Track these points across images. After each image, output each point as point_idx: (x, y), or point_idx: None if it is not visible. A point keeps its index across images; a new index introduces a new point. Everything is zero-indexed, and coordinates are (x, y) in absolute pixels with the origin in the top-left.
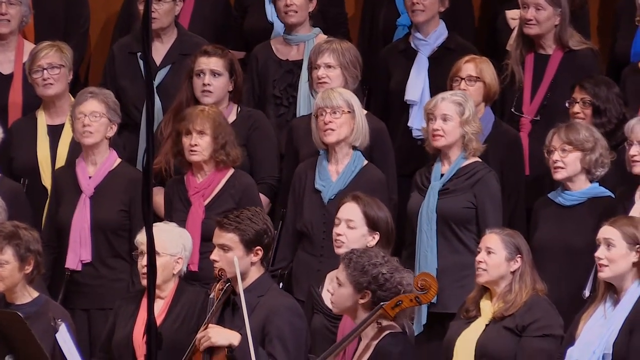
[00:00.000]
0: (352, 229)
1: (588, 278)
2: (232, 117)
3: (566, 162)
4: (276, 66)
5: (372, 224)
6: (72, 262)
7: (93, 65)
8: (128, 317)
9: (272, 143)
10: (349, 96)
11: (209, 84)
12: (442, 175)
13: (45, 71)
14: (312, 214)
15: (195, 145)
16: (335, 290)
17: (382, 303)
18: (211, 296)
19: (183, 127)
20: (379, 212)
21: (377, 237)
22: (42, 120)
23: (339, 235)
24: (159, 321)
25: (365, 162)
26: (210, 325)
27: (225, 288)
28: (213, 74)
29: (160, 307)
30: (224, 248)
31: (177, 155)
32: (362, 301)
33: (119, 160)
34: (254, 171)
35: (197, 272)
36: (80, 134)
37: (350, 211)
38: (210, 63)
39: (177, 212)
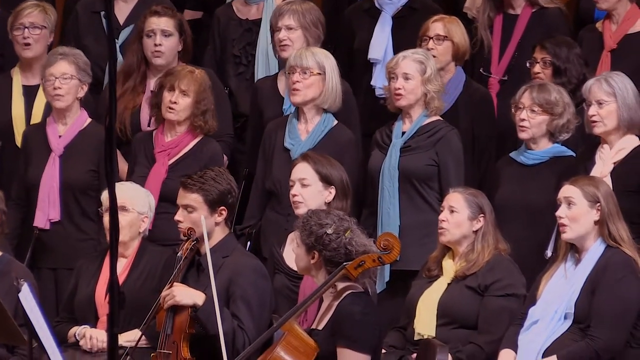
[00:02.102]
0: (306, 187)
1: (550, 238)
2: None
3: (532, 123)
4: (236, 26)
5: (326, 179)
6: (41, 220)
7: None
8: (90, 276)
9: (225, 101)
10: (323, 58)
11: (160, 44)
12: (403, 133)
13: (26, 30)
14: (280, 173)
15: (175, 103)
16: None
17: (345, 263)
18: (179, 254)
19: (168, 82)
20: (330, 168)
21: (333, 191)
22: (18, 80)
23: (294, 195)
24: (120, 280)
25: (335, 122)
26: (175, 283)
27: (192, 247)
28: (164, 34)
29: (123, 266)
30: (188, 208)
31: (154, 107)
32: (312, 261)
33: (89, 119)
34: None
35: (151, 230)
36: (52, 97)
37: (302, 170)
38: (161, 23)
39: (139, 166)
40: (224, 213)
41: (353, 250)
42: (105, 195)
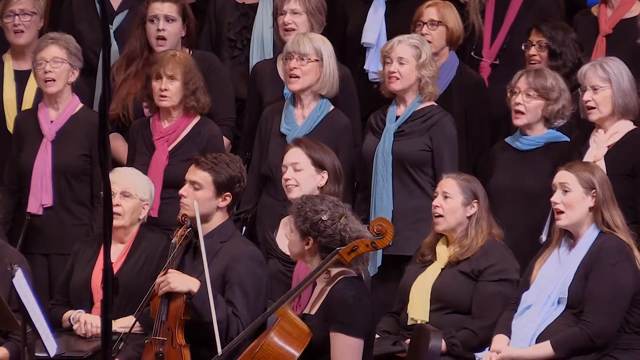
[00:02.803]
0: (298, 171)
1: (545, 223)
2: None
3: (528, 107)
4: (232, 9)
5: (318, 164)
6: (33, 206)
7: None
8: (87, 260)
9: (227, 85)
10: (320, 43)
11: (163, 30)
12: (397, 117)
13: (16, 17)
14: (276, 158)
15: (165, 90)
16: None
17: (338, 248)
18: (173, 241)
19: (153, 71)
20: (322, 153)
21: (325, 175)
22: (9, 65)
23: (287, 180)
24: (118, 266)
25: (332, 107)
26: (170, 270)
27: (186, 233)
28: (167, 19)
29: (120, 252)
30: (195, 185)
31: (145, 99)
32: (306, 247)
33: (81, 104)
34: (212, 113)
35: (157, 218)
36: (43, 81)
37: (294, 155)
38: (164, 8)
39: (140, 155)
40: (228, 199)
41: (347, 237)
42: (111, 178)
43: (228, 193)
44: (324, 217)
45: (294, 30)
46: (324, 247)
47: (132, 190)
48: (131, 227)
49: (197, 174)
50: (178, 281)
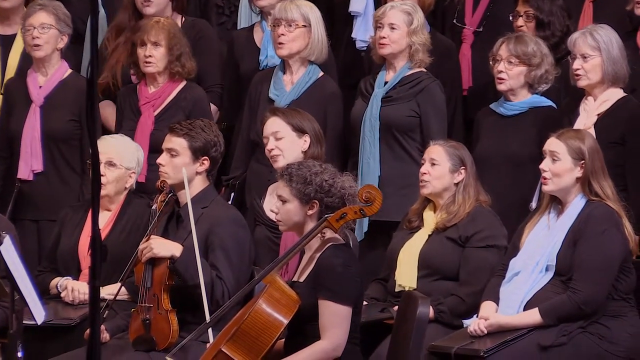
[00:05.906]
0: (280, 140)
1: (535, 190)
2: None
3: (510, 74)
4: None
5: (298, 128)
6: (24, 171)
7: None
8: (74, 226)
9: (216, 51)
10: (308, 10)
11: None
12: (386, 83)
13: None
14: None
15: (150, 56)
16: (279, 208)
17: (326, 215)
18: (153, 208)
19: (138, 38)
20: (300, 117)
21: (307, 139)
22: None
23: (271, 150)
24: (105, 233)
25: (321, 73)
26: (152, 236)
27: (167, 199)
28: None
29: (107, 219)
30: (172, 153)
31: (132, 66)
32: (310, 212)
33: (70, 70)
34: (200, 80)
35: (144, 183)
36: (30, 46)
37: (273, 124)
38: None
39: (126, 121)
40: (206, 163)
41: (346, 193)
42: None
43: (205, 157)
44: (326, 177)
45: None
46: (328, 207)
47: (117, 160)
48: (117, 196)
49: (172, 141)
50: (160, 246)
